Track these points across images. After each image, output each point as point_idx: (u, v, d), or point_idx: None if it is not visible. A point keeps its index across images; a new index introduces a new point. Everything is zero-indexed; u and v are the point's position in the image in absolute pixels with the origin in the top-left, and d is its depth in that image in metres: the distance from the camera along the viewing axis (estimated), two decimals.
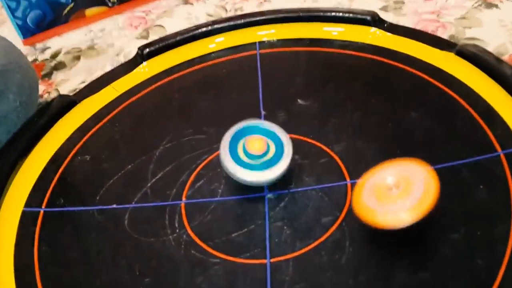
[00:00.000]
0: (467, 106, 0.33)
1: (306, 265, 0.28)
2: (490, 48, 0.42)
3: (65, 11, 0.54)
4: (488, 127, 0.32)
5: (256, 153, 0.31)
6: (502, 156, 0.30)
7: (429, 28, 0.44)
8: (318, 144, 0.34)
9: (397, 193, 0.26)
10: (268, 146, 0.31)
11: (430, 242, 0.27)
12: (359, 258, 0.28)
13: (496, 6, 0.45)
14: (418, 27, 0.45)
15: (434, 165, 0.31)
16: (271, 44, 0.42)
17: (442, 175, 0.30)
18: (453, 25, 0.44)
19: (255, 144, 0.31)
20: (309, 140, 0.35)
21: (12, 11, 0.51)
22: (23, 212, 0.33)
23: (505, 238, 0.26)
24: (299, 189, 0.32)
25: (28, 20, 0.53)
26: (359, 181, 0.28)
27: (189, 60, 0.42)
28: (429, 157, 0.31)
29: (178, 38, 0.43)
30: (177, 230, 0.31)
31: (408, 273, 0.26)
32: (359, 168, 0.32)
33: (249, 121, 0.32)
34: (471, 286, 0.25)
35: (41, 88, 0.48)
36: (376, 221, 0.26)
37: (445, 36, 0.43)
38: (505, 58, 0.40)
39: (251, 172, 0.31)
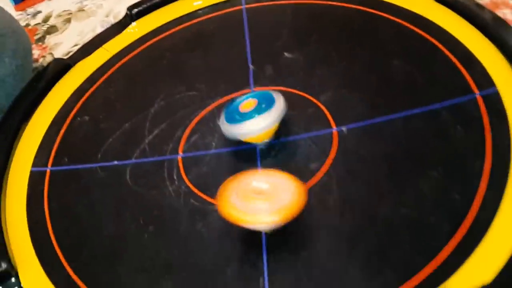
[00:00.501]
0: (446, 52, 0.35)
1: None
2: None
3: None
4: (466, 70, 0.33)
5: (245, 110, 0.32)
6: (478, 97, 0.32)
7: None
8: (305, 95, 0.36)
9: (263, 197, 0.26)
10: (259, 104, 0.32)
11: (410, 180, 0.29)
12: (345, 199, 0.30)
13: None
14: None
15: (415, 109, 0.33)
16: None
17: (423, 117, 0.32)
18: None
19: (245, 103, 0.32)
20: (297, 92, 0.36)
21: None
22: (31, 172, 0.35)
23: (479, 173, 0.29)
24: (289, 138, 0.34)
25: None
26: (227, 181, 0.28)
27: (177, 18, 0.43)
28: (410, 102, 0.33)
29: None
30: (176, 182, 0.33)
31: (391, 210, 0.29)
32: (344, 116, 0.34)
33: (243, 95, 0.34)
34: (449, 218, 0.27)
35: (36, 52, 0.49)
36: (240, 219, 0.26)
37: None
38: (485, 1, 0.41)
39: (241, 124, 0.32)
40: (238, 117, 0.32)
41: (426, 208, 0.28)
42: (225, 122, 0.32)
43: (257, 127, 0.31)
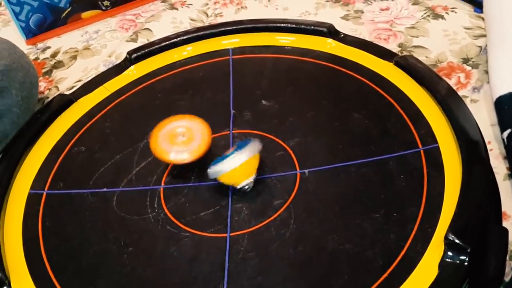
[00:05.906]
0: (399, 109, 0.40)
1: (258, 238, 0.35)
2: (432, 55, 0.48)
3: (63, 14, 0.60)
4: (414, 127, 0.38)
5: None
6: (421, 151, 0.37)
7: (382, 37, 0.51)
8: (276, 139, 0.41)
9: (183, 139, 0.37)
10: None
11: (356, 220, 0.34)
12: (300, 233, 0.34)
13: (442, 17, 0.51)
14: (373, 35, 0.51)
15: (368, 158, 0.38)
16: (242, 51, 0.48)
17: (373, 166, 0.37)
18: (403, 34, 0.50)
19: None
20: (269, 136, 0.41)
21: (16, 14, 0.58)
22: (29, 194, 0.40)
23: (414, 218, 0.33)
24: (258, 177, 0.38)
25: (30, 22, 0.59)
26: (156, 127, 0.38)
27: (170, 64, 0.49)
28: (364, 151, 0.38)
29: (161, 44, 0.49)
30: (156, 210, 0.37)
31: (337, 245, 0.33)
32: (307, 160, 0.39)
33: None
34: (382, 255, 0.32)
35: (43, 85, 0.55)
36: (167, 158, 0.37)
37: (395, 44, 0.50)
38: (443, 65, 0.47)
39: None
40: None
41: (365, 245, 0.33)
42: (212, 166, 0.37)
43: (228, 166, 0.36)
